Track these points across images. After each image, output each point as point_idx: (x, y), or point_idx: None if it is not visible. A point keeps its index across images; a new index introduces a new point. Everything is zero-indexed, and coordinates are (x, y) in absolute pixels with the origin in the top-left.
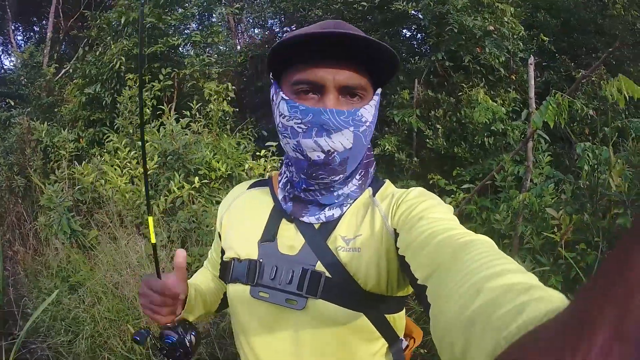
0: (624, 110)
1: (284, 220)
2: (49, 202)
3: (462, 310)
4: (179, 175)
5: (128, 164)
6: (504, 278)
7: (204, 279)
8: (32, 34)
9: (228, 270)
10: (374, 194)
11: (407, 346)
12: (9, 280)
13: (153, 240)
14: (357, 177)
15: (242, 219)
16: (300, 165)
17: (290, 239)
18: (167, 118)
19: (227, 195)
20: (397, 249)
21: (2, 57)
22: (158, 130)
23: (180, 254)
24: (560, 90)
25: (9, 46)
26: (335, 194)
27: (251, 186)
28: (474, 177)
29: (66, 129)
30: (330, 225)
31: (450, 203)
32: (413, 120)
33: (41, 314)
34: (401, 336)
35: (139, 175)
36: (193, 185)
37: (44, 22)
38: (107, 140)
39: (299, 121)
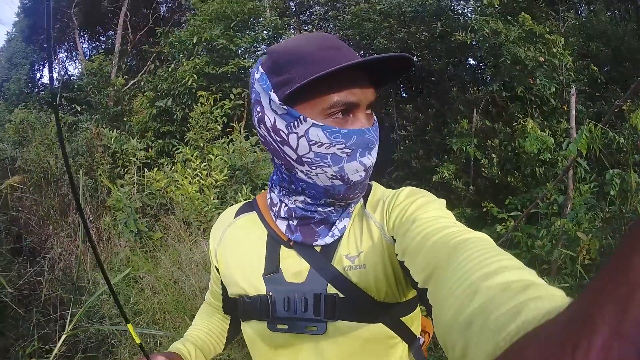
0: None
1: (282, 248)
2: (117, 203)
3: (460, 312)
4: (247, 189)
5: (199, 174)
6: (501, 276)
7: (205, 322)
8: (97, 43)
9: (239, 309)
10: (364, 204)
11: (423, 342)
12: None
13: (138, 341)
14: None
15: (239, 253)
16: (334, 191)
17: (294, 266)
18: (238, 135)
19: (215, 225)
20: (397, 254)
21: (66, 63)
22: (227, 146)
23: None
24: (611, 121)
25: (73, 53)
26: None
27: (237, 214)
28: (523, 205)
29: (135, 138)
30: (331, 247)
31: (500, 231)
32: (470, 149)
33: (97, 300)
34: (418, 334)
35: (207, 185)
36: None
37: (110, 32)
38: (177, 151)
39: (342, 146)
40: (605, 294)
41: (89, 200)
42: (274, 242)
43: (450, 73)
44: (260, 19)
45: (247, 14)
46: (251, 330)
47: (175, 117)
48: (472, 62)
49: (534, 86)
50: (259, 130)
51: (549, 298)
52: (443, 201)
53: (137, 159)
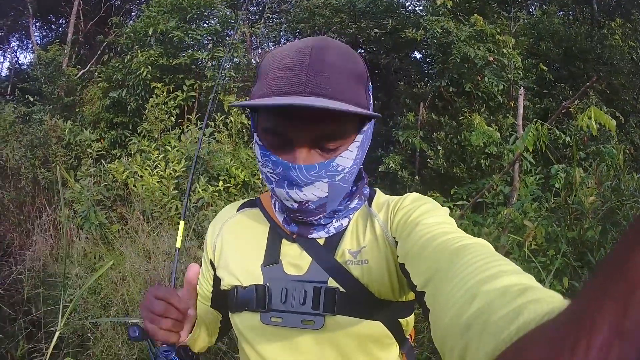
0: (613, 137)
1: (284, 241)
2: (79, 195)
3: (459, 316)
4: (204, 179)
5: (158, 165)
6: (499, 280)
7: (200, 306)
8: (48, 31)
9: (231, 300)
10: (369, 204)
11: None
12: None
13: (179, 245)
14: (355, 192)
15: (239, 243)
16: (280, 203)
17: (295, 258)
18: (194, 126)
19: (214, 219)
20: (398, 256)
21: (17, 52)
22: (179, 137)
23: (193, 268)
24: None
25: (24, 41)
26: (335, 214)
27: (240, 208)
28: (469, 195)
29: (88, 129)
30: (334, 240)
31: None
32: (417, 141)
33: (66, 298)
34: (407, 336)
35: (167, 176)
36: (218, 188)
37: (61, 20)
38: (130, 142)
39: (271, 170)
40: (604, 291)
41: (45, 193)
42: (276, 235)
43: (397, 66)
44: (214, 11)
45: (203, 6)
46: (242, 322)
47: (128, 108)
48: (417, 55)
49: (482, 83)
50: None
51: (547, 301)
52: (447, 209)
53: (93, 150)
